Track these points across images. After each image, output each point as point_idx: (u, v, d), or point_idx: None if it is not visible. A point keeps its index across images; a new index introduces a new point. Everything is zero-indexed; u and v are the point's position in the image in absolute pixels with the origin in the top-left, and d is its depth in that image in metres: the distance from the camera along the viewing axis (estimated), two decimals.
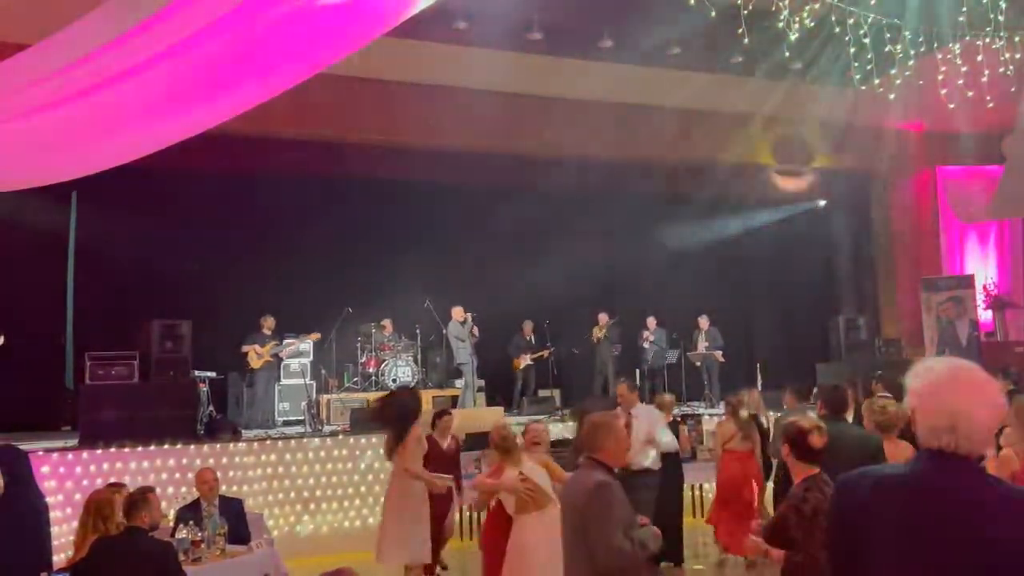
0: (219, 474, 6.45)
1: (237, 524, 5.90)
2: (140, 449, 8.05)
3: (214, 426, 9.24)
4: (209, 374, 10.21)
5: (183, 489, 7.73)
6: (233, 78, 5.08)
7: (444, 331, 11.92)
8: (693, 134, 11.74)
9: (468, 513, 8.48)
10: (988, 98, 7.75)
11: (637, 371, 12.89)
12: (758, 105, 11.55)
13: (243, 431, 9.53)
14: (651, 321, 12.91)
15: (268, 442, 8.70)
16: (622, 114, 10.89)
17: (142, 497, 4.49)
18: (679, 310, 13.20)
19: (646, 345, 12.76)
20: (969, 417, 1.90)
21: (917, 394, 1.99)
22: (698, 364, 12.68)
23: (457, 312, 11.67)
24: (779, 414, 7.73)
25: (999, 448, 4.50)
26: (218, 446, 8.39)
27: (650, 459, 6.68)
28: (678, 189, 13.43)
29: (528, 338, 12.59)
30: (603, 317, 12.68)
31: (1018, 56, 7.37)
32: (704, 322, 12.92)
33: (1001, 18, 6.79)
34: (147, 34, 4.37)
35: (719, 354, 12.62)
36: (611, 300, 12.96)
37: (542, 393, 12.44)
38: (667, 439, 7.00)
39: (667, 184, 13.15)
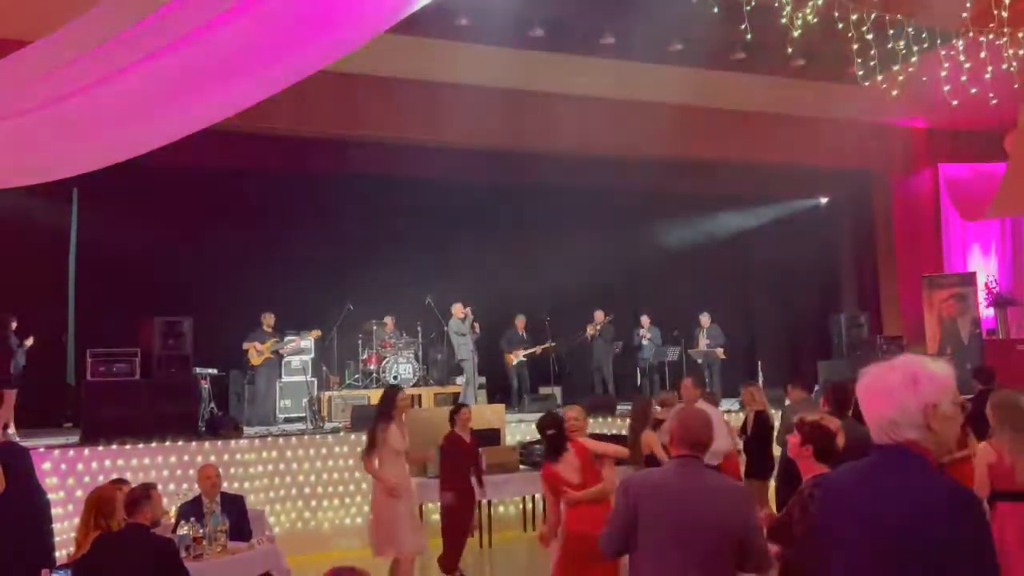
0: (220, 471, 6.44)
1: (239, 521, 5.91)
2: (141, 446, 8.06)
3: (215, 423, 9.24)
4: (210, 371, 10.23)
5: (184, 486, 7.73)
6: (232, 75, 5.06)
7: (445, 328, 11.91)
8: (695, 131, 11.72)
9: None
10: (991, 95, 7.73)
11: (638, 369, 12.92)
12: (760, 102, 11.53)
13: (244, 428, 9.52)
14: (645, 319, 12.89)
15: (269, 439, 8.71)
16: (624, 110, 10.87)
17: (144, 494, 4.48)
18: (681, 307, 13.19)
19: (644, 343, 12.75)
20: (863, 408, 2.12)
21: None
22: (699, 361, 12.66)
23: (457, 309, 11.67)
24: (785, 407, 7.74)
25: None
26: (219, 443, 8.40)
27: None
28: (680, 186, 13.42)
29: (521, 333, 12.54)
30: (599, 315, 12.64)
31: (1022, 53, 7.35)
32: (706, 319, 12.90)
33: (1004, 14, 6.78)
34: (149, 29, 4.35)
35: (720, 351, 12.61)
36: (613, 297, 12.93)
37: (543, 391, 12.42)
38: (723, 442, 6.97)
39: (669, 181, 13.12)
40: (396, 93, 10.51)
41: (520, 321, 12.57)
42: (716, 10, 6.47)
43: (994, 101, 7.82)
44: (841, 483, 2.13)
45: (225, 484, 6.60)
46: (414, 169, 11.60)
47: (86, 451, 7.87)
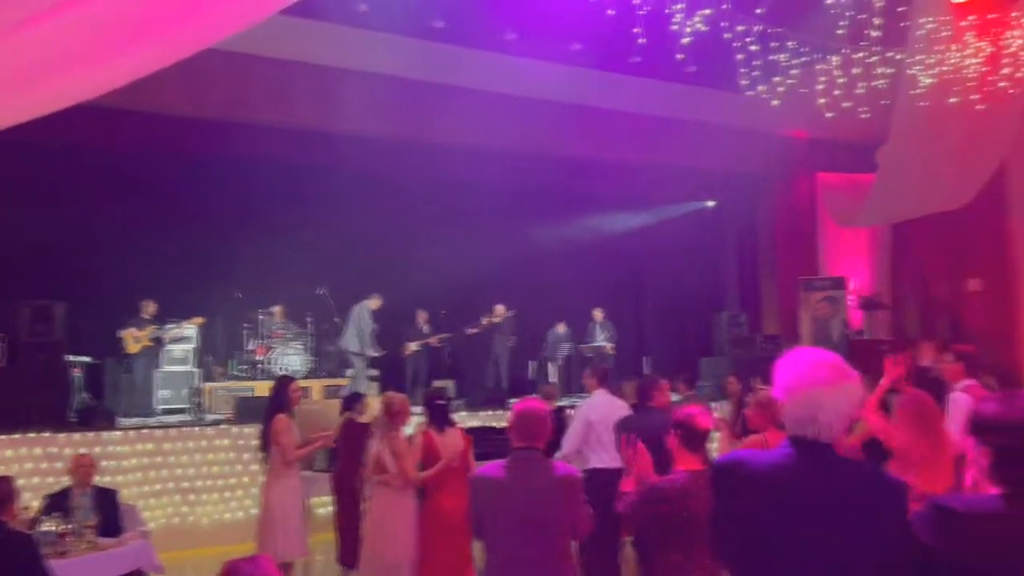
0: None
1: (109, 516, 5.69)
2: (4, 437, 7.59)
3: (87, 413, 8.81)
4: (84, 359, 9.75)
5: (50, 479, 7.34)
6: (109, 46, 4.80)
7: (336, 319, 11.77)
8: (592, 130, 11.92)
9: None
10: (862, 109, 8.23)
11: (537, 363, 13.09)
12: (656, 105, 11.83)
13: (122, 419, 9.12)
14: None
15: (145, 431, 8.36)
16: (523, 107, 10.95)
17: (12, 491, 4.28)
18: (575, 303, 13.45)
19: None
20: (817, 408, 2.06)
21: (783, 387, 2.14)
22: (590, 356, 12.95)
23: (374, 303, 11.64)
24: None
25: None
26: (90, 434, 8.00)
27: None
28: (576, 184, 13.66)
29: (421, 328, 12.53)
30: (499, 308, 12.75)
31: (890, 71, 7.87)
32: (599, 314, 13.23)
33: (876, 33, 7.24)
34: None
35: (610, 346, 12.94)
36: (508, 291, 13.03)
37: (436, 384, 12.40)
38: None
39: (565, 179, 13.34)
40: (290, 76, 10.23)
41: (421, 316, 12.54)
42: (611, 12, 6.62)
43: (865, 115, 8.32)
44: (770, 476, 2.08)
45: (96, 477, 6.29)
46: (307, 156, 11.33)
47: None
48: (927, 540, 1.97)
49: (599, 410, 6.07)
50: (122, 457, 8.03)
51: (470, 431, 6.39)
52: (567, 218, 14.22)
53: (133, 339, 10.25)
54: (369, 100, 9.99)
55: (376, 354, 11.72)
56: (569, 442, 6.08)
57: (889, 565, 1.97)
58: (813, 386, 2.06)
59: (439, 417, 5.56)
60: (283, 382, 6.29)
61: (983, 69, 7.89)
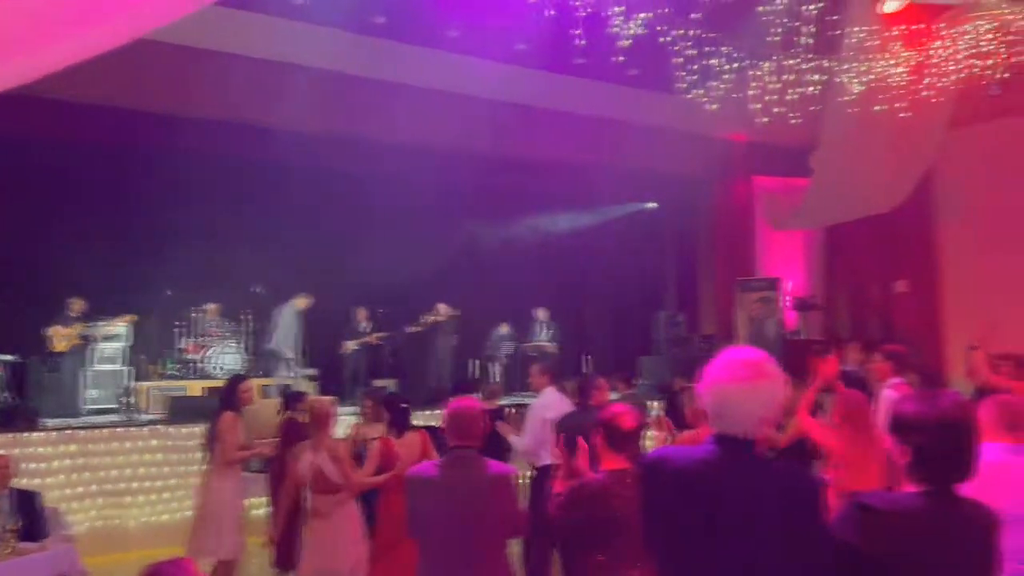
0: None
1: (31, 520, 5.52)
2: None
3: (7, 413, 8.50)
4: (7, 357, 9.40)
5: None
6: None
7: (277, 316, 11.58)
8: (536, 131, 11.95)
9: None
10: (793, 114, 8.45)
11: (479, 362, 13.06)
12: (599, 106, 11.92)
13: (48, 420, 8.82)
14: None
15: (69, 432, 8.08)
16: (463, 105, 10.91)
17: None
18: (517, 302, 13.48)
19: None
20: (733, 405, 2.09)
21: (704, 384, 2.18)
22: (533, 355, 12.97)
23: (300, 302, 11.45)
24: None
25: None
26: (10, 436, 7.70)
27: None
28: (519, 184, 13.68)
29: (360, 326, 12.39)
30: (442, 307, 12.68)
31: (821, 78, 8.10)
32: (542, 314, 13.28)
33: (807, 41, 7.44)
34: None
35: (553, 346, 13.01)
36: (451, 290, 12.96)
37: (377, 383, 12.27)
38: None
39: (508, 178, 13.35)
40: (227, 70, 9.98)
41: (360, 313, 12.39)
42: (551, 13, 6.64)
43: (796, 121, 8.54)
44: (695, 471, 2.09)
45: (15, 480, 6.06)
46: (245, 150, 11.06)
47: None
48: (849, 538, 2.01)
49: (552, 408, 6.12)
50: (45, 459, 7.76)
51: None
52: (509, 217, 14.23)
53: (60, 337, 9.90)
54: (309, 95, 9.83)
55: (292, 356, 11.53)
56: (528, 438, 6.14)
57: (806, 561, 2.01)
58: (728, 383, 2.09)
59: (400, 421, 5.50)
60: (234, 380, 6.19)
61: (909, 78, 8.18)
